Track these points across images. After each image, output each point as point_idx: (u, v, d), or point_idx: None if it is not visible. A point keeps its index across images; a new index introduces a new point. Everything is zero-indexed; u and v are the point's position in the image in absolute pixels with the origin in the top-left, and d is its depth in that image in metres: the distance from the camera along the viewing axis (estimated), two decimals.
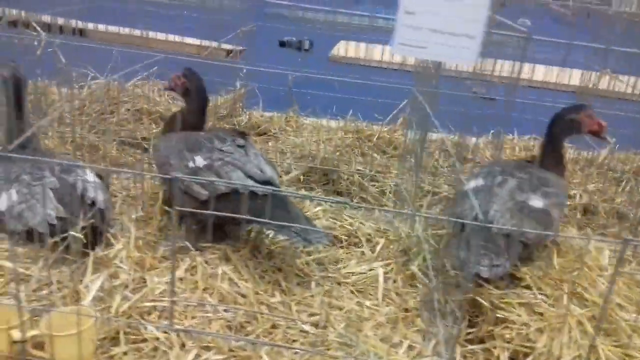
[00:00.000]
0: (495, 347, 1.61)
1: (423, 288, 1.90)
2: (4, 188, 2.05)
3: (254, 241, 2.04)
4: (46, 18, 3.10)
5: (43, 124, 2.68)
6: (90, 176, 2.17)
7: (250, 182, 1.93)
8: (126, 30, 4.52)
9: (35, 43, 2.83)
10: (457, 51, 1.25)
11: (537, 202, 1.97)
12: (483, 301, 1.67)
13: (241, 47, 6.15)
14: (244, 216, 1.63)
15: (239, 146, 2.10)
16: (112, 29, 4.20)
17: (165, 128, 2.37)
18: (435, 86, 2.33)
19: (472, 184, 2.09)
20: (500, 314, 1.66)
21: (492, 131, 3.48)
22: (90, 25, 4.07)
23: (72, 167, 2.16)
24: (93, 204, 2.02)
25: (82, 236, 1.77)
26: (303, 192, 2.58)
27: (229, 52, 6.02)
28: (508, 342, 1.60)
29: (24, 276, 1.74)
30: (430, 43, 1.27)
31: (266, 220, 1.70)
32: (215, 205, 1.89)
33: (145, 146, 2.87)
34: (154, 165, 2.31)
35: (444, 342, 1.65)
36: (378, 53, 4.04)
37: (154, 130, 2.96)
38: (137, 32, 4.14)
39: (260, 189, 1.88)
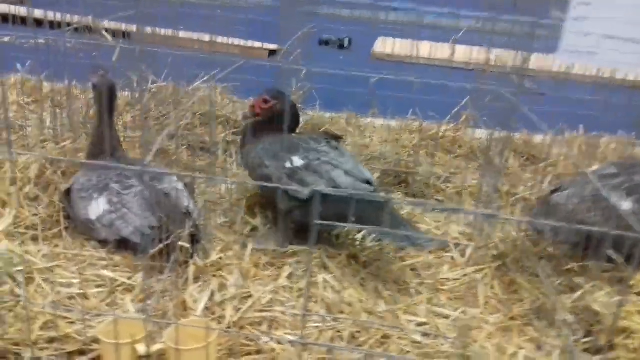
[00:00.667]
0: (618, 358, 1.55)
1: (530, 295, 1.84)
2: (93, 197, 2.05)
3: (350, 247, 2.01)
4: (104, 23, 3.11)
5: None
6: (180, 184, 2.16)
7: (364, 186, 1.90)
8: (174, 33, 4.54)
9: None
10: (624, 57, 1.20)
11: None
12: (602, 309, 1.61)
13: (284, 48, 6.14)
14: (359, 225, 1.59)
15: (333, 148, 2.07)
16: (161, 31, 4.20)
17: (251, 133, 2.33)
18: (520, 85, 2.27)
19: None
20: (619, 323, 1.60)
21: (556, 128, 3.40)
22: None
23: (161, 174, 2.16)
24: (188, 213, 2.00)
25: (188, 245, 1.75)
26: (382, 194, 2.53)
27: (272, 51, 6.02)
28: (634, 352, 1.54)
29: (129, 286, 1.73)
30: (602, 49, 1.21)
31: (382, 228, 1.67)
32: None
33: (214, 150, 2.86)
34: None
35: (561, 352, 1.60)
36: (423, 50, 3.94)
37: (222, 135, 2.94)
38: (182, 34, 4.15)
39: (378, 196, 1.85)
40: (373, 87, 2.79)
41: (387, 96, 3.23)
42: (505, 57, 3.41)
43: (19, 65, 3.40)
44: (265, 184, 1.98)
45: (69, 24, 2.87)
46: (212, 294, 1.65)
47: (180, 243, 1.74)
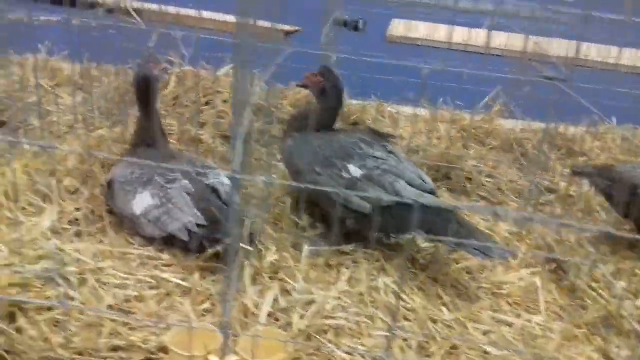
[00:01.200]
0: None
1: (594, 302, 1.80)
2: (137, 190, 1.98)
3: (405, 248, 1.95)
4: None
5: None
6: (225, 178, 2.09)
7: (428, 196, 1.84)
8: (181, 11, 4.40)
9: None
10: None
11: None
12: None
13: (297, 28, 6.02)
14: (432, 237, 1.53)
15: (389, 152, 1.99)
16: (170, 9, 4.04)
17: (291, 126, 2.27)
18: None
19: None
20: None
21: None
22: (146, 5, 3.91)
23: (207, 168, 2.09)
24: (240, 210, 1.94)
25: (250, 248, 1.69)
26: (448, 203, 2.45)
27: (287, 32, 5.89)
28: None
29: (185, 288, 1.67)
30: None
31: (452, 239, 1.62)
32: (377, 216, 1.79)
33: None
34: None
35: None
36: (440, 33, 3.78)
37: (257, 123, 2.85)
38: (191, 12, 3.99)
39: (445, 205, 1.80)
40: (425, 77, 2.69)
41: (413, 83, 3.14)
42: (544, 44, 3.34)
43: (40, 45, 3.30)
44: (305, 184, 1.89)
45: (99, 4, 2.76)
46: (276, 299, 1.59)
47: (241, 245, 1.67)
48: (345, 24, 6.46)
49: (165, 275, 1.71)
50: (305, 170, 2.01)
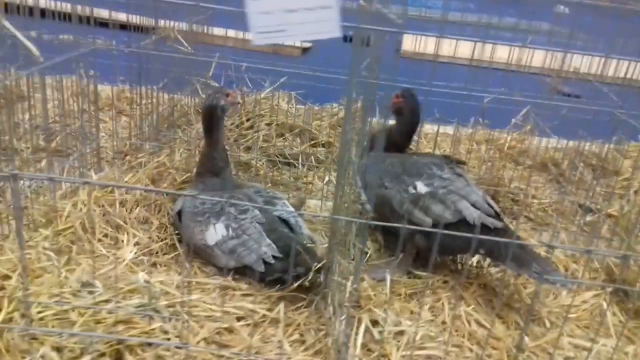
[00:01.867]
0: None
1: None
2: (210, 221, 2.01)
3: (477, 274, 2.00)
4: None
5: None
6: (290, 206, 2.13)
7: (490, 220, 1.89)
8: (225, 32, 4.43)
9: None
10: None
11: None
12: None
13: (309, 45, 6.07)
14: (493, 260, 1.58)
15: (457, 174, 2.06)
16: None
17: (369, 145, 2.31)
18: None
19: None
20: None
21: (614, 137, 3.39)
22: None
23: (274, 198, 2.13)
24: (310, 241, 1.99)
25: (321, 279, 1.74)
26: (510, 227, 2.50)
27: (304, 49, 5.94)
28: None
29: (272, 319, 1.71)
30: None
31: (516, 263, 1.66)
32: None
33: (296, 164, 2.83)
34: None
35: None
36: (457, 49, 3.76)
37: (303, 147, 2.90)
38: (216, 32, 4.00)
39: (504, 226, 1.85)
40: (486, 105, 2.74)
41: (436, 102, 3.17)
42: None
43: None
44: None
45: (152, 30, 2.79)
46: (367, 330, 1.63)
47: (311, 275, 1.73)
48: (348, 39, 6.52)
49: (251, 306, 1.75)
50: (374, 184, 2.06)
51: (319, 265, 1.80)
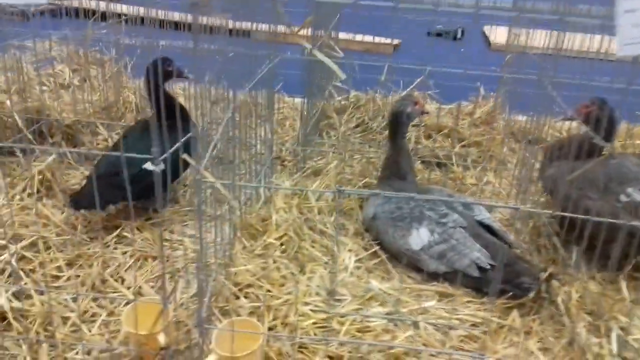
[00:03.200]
0: None
1: None
2: (412, 226, 2.02)
3: None
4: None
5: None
6: (487, 212, 2.12)
7: None
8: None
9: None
10: None
11: None
12: None
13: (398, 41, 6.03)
14: None
15: None
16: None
17: (552, 155, 2.27)
18: None
19: None
20: None
21: None
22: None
23: (472, 203, 2.12)
24: (509, 246, 1.98)
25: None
26: None
27: (395, 46, 5.91)
28: None
29: (510, 329, 1.70)
30: None
31: None
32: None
33: (449, 163, 2.81)
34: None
35: None
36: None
37: (455, 149, 2.88)
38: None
39: None
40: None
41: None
42: None
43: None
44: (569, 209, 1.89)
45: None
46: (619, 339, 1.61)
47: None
48: (439, 34, 6.44)
49: (482, 313, 1.75)
50: (573, 196, 2.01)
51: (546, 275, 1.80)
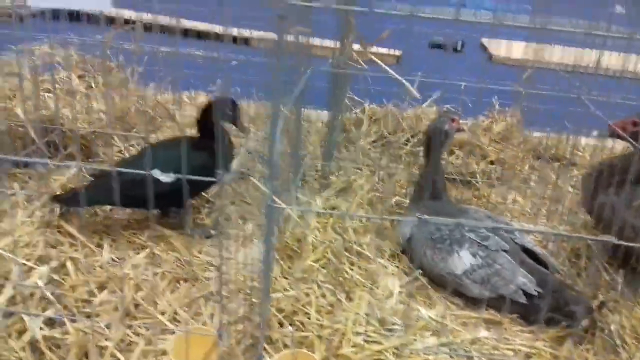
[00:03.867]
0: None
1: None
2: (453, 248, 1.95)
3: None
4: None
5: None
6: (528, 236, 2.05)
7: None
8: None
9: None
10: None
11: None
12: None
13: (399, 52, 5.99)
14: None
15: None
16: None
17: (598, 179, 2.19)
18: None
19: None
20: None
21: None
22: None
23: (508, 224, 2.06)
24: (551, 270, 1.92)
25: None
26: None
27: (398, 58, 5.87)
28: None
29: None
30: None
31: None
32: None
33: (473, 181, 2.76)
34: None
35: None
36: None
37: (481, 165, 2.83)
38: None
39: None
40: None
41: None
42: None
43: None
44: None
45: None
46: None
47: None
48: (439, 46, 6.41)
49: (535, 343, 1.68)
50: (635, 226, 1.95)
51: (599, 304, 1.74)
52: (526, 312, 1.82)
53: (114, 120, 2.71)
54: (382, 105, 3.22)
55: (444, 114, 2.19)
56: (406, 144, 2.95)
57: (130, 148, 2.64)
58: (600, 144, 2.77)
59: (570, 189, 2.70)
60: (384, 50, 5.51)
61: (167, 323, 1.61)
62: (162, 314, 1.65)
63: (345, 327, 1.53)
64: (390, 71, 1.71)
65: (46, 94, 2.71)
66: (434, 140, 2.16)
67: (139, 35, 2.82)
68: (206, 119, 2.06)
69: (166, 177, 1.91)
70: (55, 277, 1.65)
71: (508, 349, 1.65)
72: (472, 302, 1.88)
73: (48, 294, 1.54)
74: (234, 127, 2.13)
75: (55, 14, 2.94)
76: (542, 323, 1.74)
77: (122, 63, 3.17)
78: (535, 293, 1.80)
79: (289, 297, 1.64)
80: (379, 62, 1.76)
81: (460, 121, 2.20)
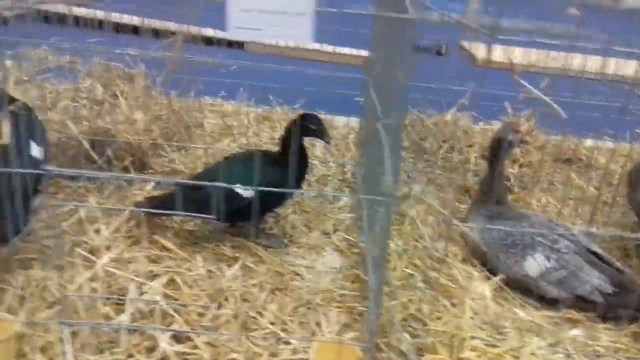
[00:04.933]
0: None
1: None
2: (527, 252, 2.05)
3: None
4: None
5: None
6: (584, 236, 2.16)
7: None
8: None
9: None
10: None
11: None
12: None
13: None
14: None
15: None
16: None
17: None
18: None
19: None
20: None
21: None
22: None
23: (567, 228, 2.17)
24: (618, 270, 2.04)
25: None
26: None
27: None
28: None
29: None
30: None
31: None
32: None
33: (509, 184, 2.86)
34: None
35: None
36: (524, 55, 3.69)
37: (515, 169, 2.94)
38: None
39: None
40: None
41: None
42: None
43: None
44: None
45: None
46: None
47: None
48: (425, 50, 6.53)
49: (622, 339, 1.79)
50: None
51: None
52: (601, 310, 1.93)
53: (158, 131, 2.69)
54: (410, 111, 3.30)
55: (509, 122, 2.28)
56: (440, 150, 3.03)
57: (179, 156, 2.63)
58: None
59: (594, 190, 2.83)
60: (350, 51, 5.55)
61: (280, 333, 1.64)
62: (272, 324, 1.68)
63: (462, 332, 1.60)
64: (535, 91, 1.79)
65: (73, 104, 2.67)
66: (498, 149, 2.25)
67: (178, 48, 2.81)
68: (290, 134, 2.08)
69: (246, 192, 1.95)
70: (167, 291, 1.66)
71: (599, 346, 1.75)
72: (548, 302, 1.98)
73: (170, 309, 1.54)
74: (319, 141, 2.18)
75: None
76: (624, 320, 1.85)
77: (146, 71, 3.14)
78: (611, 292, 1.92)
79: (397, 305, 1.69)
80: (525, 84, 1.83)
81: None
